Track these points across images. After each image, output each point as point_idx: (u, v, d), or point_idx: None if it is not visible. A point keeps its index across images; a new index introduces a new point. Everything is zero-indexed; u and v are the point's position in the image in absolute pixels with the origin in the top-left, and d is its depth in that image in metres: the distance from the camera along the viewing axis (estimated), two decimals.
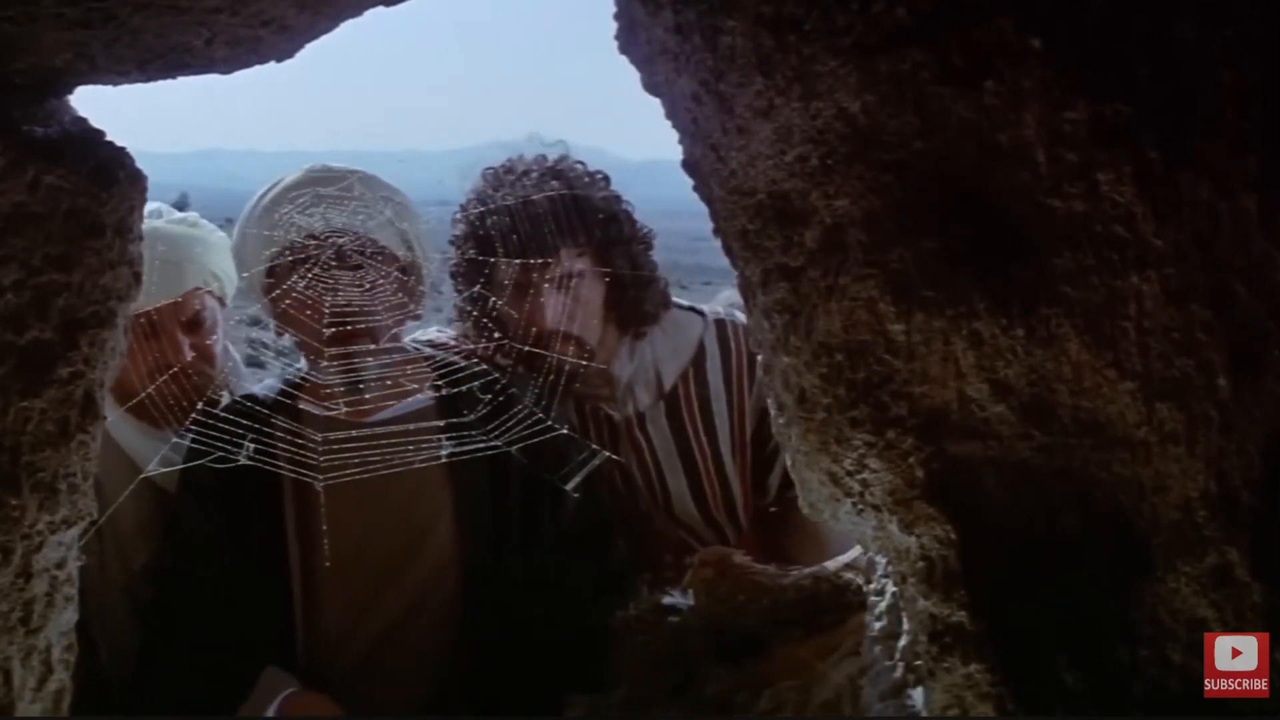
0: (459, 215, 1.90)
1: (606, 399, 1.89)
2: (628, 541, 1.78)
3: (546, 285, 1.77)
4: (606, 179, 1.90)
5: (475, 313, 1.86)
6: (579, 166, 1.88)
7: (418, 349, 1.85)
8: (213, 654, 1.59)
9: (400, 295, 1.74)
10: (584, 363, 1.79)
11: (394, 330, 1.74)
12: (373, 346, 1.67)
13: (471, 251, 1.83)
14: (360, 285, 1.71)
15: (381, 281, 1.72)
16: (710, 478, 1.90)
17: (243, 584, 1.64)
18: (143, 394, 1.62)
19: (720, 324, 1.95)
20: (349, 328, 1.66)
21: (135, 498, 1.68)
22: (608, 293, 1.86)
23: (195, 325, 1.78)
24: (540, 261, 1.75)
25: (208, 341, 1.80)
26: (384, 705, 1.63)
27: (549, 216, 1.76)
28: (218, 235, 1.85)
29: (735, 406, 1.91)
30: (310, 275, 1.67)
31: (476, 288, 1.84)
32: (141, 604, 1.68)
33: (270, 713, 1.52)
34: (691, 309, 1.99)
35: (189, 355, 1.75)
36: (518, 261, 1.76)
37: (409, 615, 1.67)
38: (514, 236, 1.75)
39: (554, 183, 1.82)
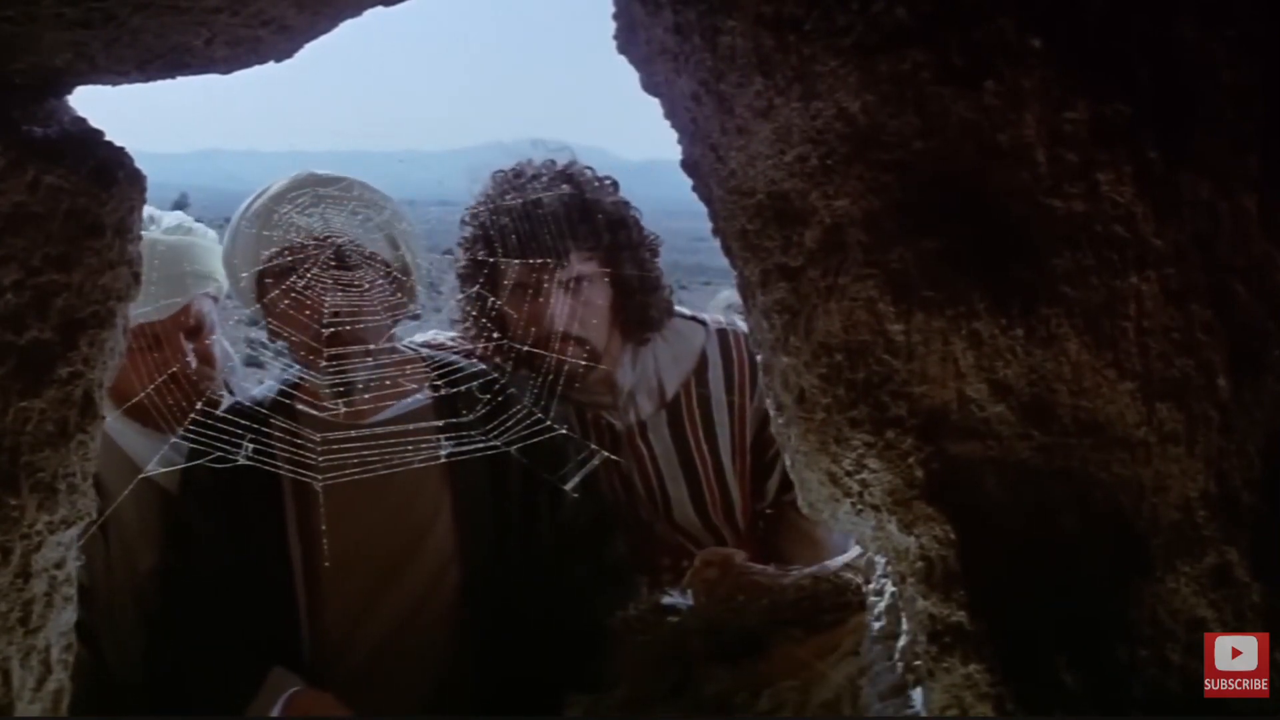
0: (467, 218, 1.90)
1: (608, 407, 1.90)
2: (627, 547, 1.78)
3: (555, 287, 1.77)
4: (615, 184, 1.91)
5: (478, 315, 1.87)
6: (588, 171, 1.89)
7: (415, 350, 1.85)
8: (218, 654, 1.60)
9: (399, 295, 1.74)
10: (590, 364, 1.79)
11: (392, 330, 1.75)
12: (370, 347, 1.68)
13: (481, 253, 1.84)
14: (358, 286, 1.71)
15: (380, 281, 1.72)
16: (710, 484, 1.91)
17: (246, 584, 1.64)
18: (142, 395, 1.62)
19: (722, 333, 1.96)
20: (347, 328, 1.66)
21: (139, 500, 1.68)
22: (614, 297, 1.87)
23: (196, 331, 1.78)
24: (549, 263, 1.76)
25: (207, 343, 1.81)
26: (387, 704, 1.63)
27: (559, 219, 1.77)
28: (211, 236, 1.85)
29: (737, 414, 1.91)
30: (309, 276, 1.67)
31: (482, 289, 1.85)
32: (147, 606, 1.68)
33: (276, 712, 1.52)
34: (693, 318, 2.00)
35: (193, 361, 1.75)
36: (527, 262, 1.76)
37: (410, 615, 1.67)
38: (523, 239, 1.76)
39: (564, 186, 1.83)
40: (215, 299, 1.85)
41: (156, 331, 1.67)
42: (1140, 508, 0.82)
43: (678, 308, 1.99)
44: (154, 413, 1.64)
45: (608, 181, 1.91)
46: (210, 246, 1.82)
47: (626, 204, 1.90)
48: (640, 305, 1.89)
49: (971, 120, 0.80)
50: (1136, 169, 0.78)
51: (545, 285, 1.77)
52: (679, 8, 0.92)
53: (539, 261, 1.76)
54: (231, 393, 1.88)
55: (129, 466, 1.70)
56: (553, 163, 1.89)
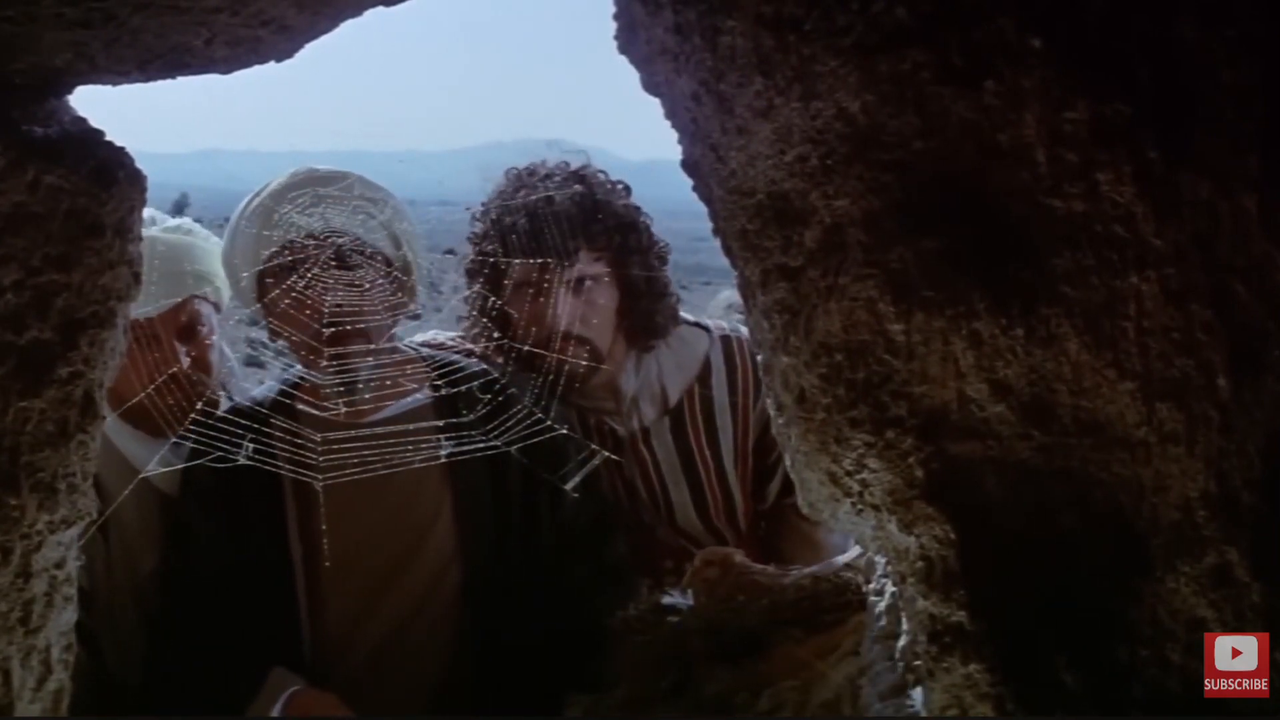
0: (478, 214, 1.91)
1: (611, 413, 1.90)
2: (630, 549, 1.78)
3: (561, 286, 1.78)
4: (627, 188, 1.92)
5: (479, 314, 1.87)
6: (601, 174, 1.90)
7: (416, 350, 1.85)
8: (219, 654, 1.60)
9: (399, 295, 1.74)
10: (595, 365, 1.79)
11: (392, 329, 1.75)
12: (371, 346, 1.68)
13: (490, 249, 1.84)
14: (359, 285, 1.71)
15: (380, 281, 1.72)
16: (713, 488, 1.91)
17: (247, 584, 1.64)
18: (136, 399, 1.62)
19: (726, 340, 1.96)
20: (348, 327, 1.66)
21: (139, 503, 1.68)
22: (621, 300, 1.87)
23: (190, 333, 1.77)
24: (558, 263, 1.76)
25: (203, 349, 1.80)
26: (388, 704, 1.63)
27: (569, 218, 1.77)
28: (213, 241, 1.85)
29: (740, 420, 1.92)
30: (309, 275, 1.67)
31: (490, 286, 1.85)
32: (148, 607, 1.68)
33: (276, 711, 1.52)
34: (697, 325, 2.00)
35: (185, 363, 1.75)
36: (535, 262, 1.77)
37: (411, 615, 1.67)
38: (532, 236, 1.76)
39: (576, 186, 1.83)
40: (216, 306, 1.84)
41: (147, 325, 1.67)
42: (1140, 508, 0.82)
43: (682, 314, 2.00)
44: (148, 416, 1.64)
45: (620, 185, 1.92)
46: (210, 249, 1.82)
47: (638, 209, 1.91)
48: (646, 311, 1.89)
49: (971, 120, 0.80)
50: (1136, 169, 0.78)
51: (551, 284, 1.77)
52: (679, 8, 0.92)
53: (546, 261, 1.76)
54: (230, 397, 1.88)
55: (127, 468, 1.70)
56: (566, 164, 1.90)
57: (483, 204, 1.90)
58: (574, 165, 1.90)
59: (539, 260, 1.76)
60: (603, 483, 1.82)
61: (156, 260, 1.53)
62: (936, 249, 0.84)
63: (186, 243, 1.78)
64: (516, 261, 1.79)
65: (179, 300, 1.74)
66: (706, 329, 1.99)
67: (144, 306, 1.49)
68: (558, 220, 1.76)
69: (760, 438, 1.91)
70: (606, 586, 1.65)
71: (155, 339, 1.70)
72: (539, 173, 1.88)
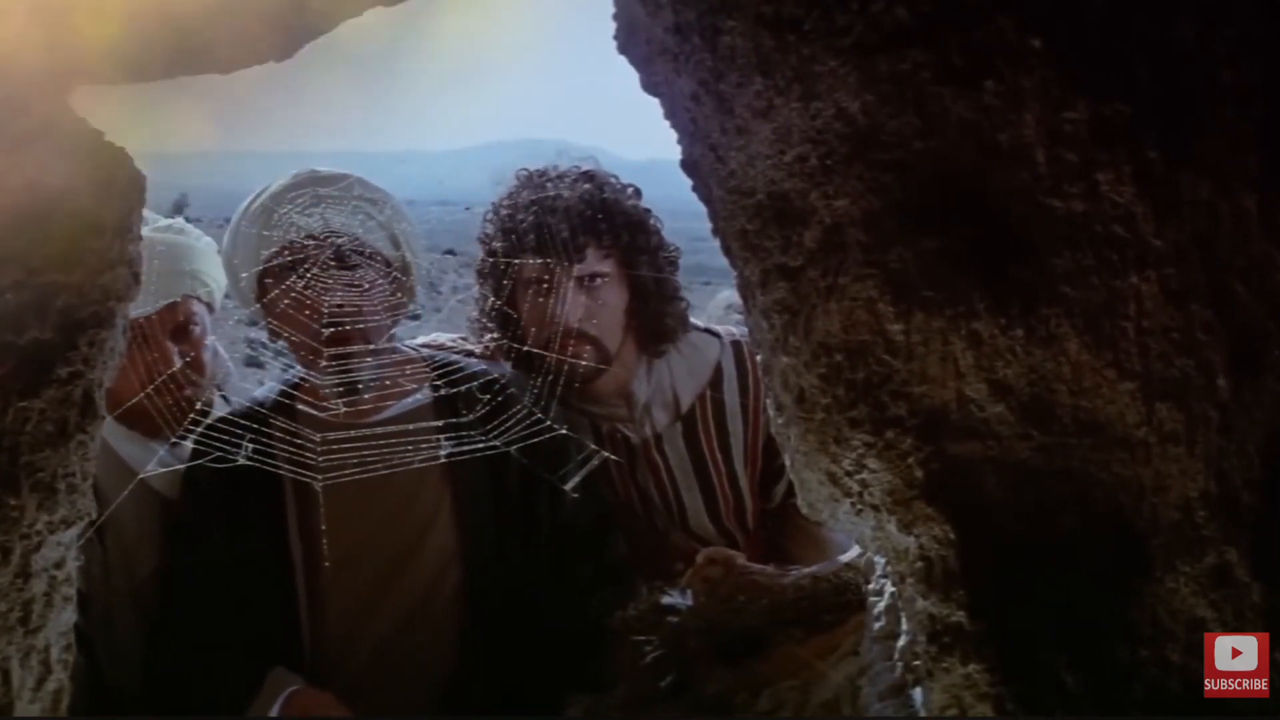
0: (489, 214, 1.91)
1: (624, 420, 1.90)
2: (642, 554, 1.78)
3: (570, 283, 1.78)
4: (638, 192, 1.92)
5: (490, 311, 1.87)
6: (612, 176, 1.90)
7: (416, 350, 1.85)
8: (219, 655, 1.60)
9: (399, 295, 1.75)
10: (602, 365, 1.79)
11: (392, 330, 1.75)
12: (371, 347, 1.68)
13: (499, 248, 1.84)
14: (358, 285, 1.71)
15: (380, 281, 1.72)
16: (724, 491, 1.92)
17: (247, 585, 1.65)
18: (133, 401, 1.61)
19: (737, 345, 1.97)
20: (347, 328, 1.66)
21: (138, 505, 1.68)
22: (630, 300, 1.87)
23: (184, 334, 1.77)
24: (565, 260, 1.76)
25: (197, 349, 1.79)
26: (388, 704, 1.63)
27: (578, 214, 1.77)
28: (205, 241, 1.84)
29: (751, 422, 1.92)
30: (309, 276, 1.67)
31: (498, 285, 1.86)
32: (146, 610, 1.68)
33: (274, 711, 1.52)
34: (708, 331, 2.00)
35: (179, 364, 1.74)
36: (544, 262, 1.77)
37: (411, 615, 1.68)
38: (541, 234, 1.76)
39: (587, 186, 1.84)
40: (209, 307, 1.83)
41: (142, 326, 1.66)
42: (1140, 508, 0.82)
43: (692, 320, 2.00)
44: (144, 416, 1.63)
45: (630, 187, 1.92)
46: (202, 248, 1.82)
47: (648, 210, 1.91)
48: (655, 312, 1.89)
49: (971, 120, 0.80)
50: (1136, 169, 0.78)
51: (560, 281, 1.77)
52: (679, 8, 0.92)
53: (554, 261, 1.76)
54: (227, 398, 1.88)
55: (124, 469, 1.70)
56: (577, 167, 1.91)
57: (492, 203, 1.91)
58: (585, 168, 1.91)
59: (548, 261, 1.76)
60: (612, 485, 1.82)
61: (155, 261, 1.53)
62: (936, 249, 0.84)
63: (179, 242, 1.78)
64: (522, 261, 1.79)
65: (173, 300, 1.73)
66: (717, 335, 1.99)
67: (139, 306, 1.48)
68: (565, 217, 1.76)
69: (769, 440, 1.92)
70: (606, 586, 1.65)
71: (149, 339, 1.70)
72: (549, 174, 1.89)
